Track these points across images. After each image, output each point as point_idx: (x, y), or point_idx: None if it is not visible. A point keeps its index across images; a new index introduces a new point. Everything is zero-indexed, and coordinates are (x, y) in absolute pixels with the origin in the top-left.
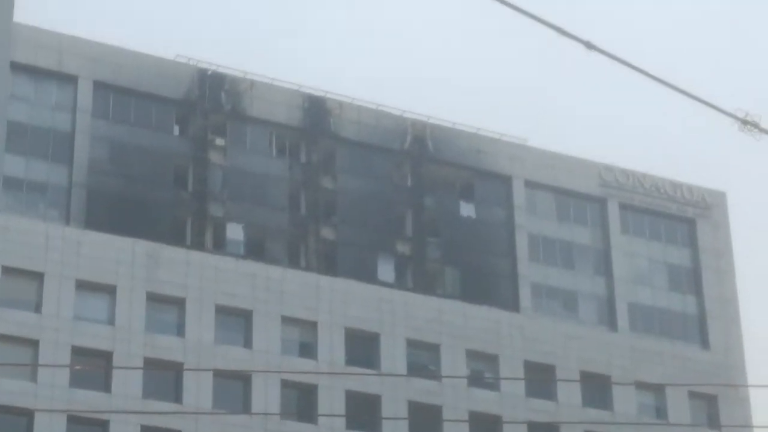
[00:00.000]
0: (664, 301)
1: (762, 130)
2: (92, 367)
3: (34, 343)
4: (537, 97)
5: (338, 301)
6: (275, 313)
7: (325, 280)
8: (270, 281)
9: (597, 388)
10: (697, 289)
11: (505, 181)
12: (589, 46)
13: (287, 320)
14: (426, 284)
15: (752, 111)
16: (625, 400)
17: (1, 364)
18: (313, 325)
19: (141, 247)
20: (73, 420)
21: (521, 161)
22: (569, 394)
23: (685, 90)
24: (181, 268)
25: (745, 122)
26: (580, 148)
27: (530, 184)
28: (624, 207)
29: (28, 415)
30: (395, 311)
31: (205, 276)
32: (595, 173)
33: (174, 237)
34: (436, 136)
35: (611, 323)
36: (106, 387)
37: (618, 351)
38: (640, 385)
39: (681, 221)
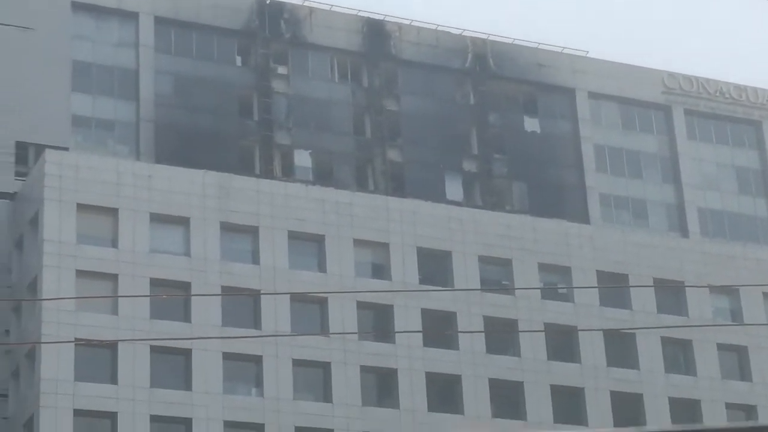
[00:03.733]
0: (734, 205)
1: None
2: (173, 296)
3: (113, 278)
4: (595, 7)
5: (408, 222)
6: (347, 237)
7: (394, 201)
8: (339, 205)
9: (671, 294)
10: (766, 191)
11: (569, 93)
12: None
13: (359, 243)
14: (494, 200)
15: None
16: (700, 305)
17: (81, 298)
18: (384, 247)
19: (211, 178)
20: (156, 350)
21: (583, 73)
22: (643, 301)
23: None
24: (251, 196)
25: None
26: (642, 56)
27: (594, 96)
28: (689, 113)
29: (111, 347)
30: (465, 229)
31: (276, 203)
32: (658, 81)
33: (243, 167)
34: (496, 53)
35: (682, 229)
36: (186, 317)
37: (690, 256)
38: (714, 289)
39: (747, 124)
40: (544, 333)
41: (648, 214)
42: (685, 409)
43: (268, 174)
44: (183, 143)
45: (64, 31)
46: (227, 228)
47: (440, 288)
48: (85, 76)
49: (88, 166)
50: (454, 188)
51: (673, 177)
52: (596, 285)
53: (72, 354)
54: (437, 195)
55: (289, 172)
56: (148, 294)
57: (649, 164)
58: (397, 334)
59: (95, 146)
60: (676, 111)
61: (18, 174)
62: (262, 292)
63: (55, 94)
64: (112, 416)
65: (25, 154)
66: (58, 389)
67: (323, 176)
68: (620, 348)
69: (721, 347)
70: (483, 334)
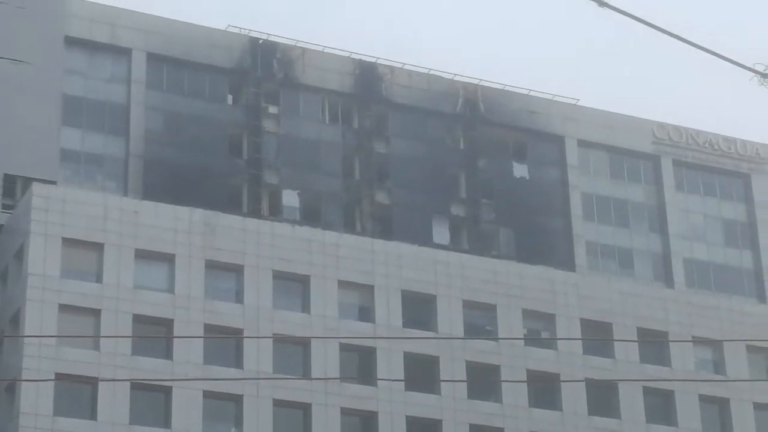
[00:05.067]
0: (720, 256)
1: None
2: (154, 335)
3: (96, 313)
4: (585, 58)
5: (394, 265)
6: (332, 278)
7: (380, 244)
8: (325, 246)
9: (654, 344)
10: (752, 244)
11: (558, 141)
12: (600, 3)
13: (344, 284)
14: (481, 245)
15: None
16: (683, 356)
17: (63, 336)
18: (369, 289)
19: (197, 215)
20: (136, 386)
21: (574, 121)
22: (627, 350)
23: (704, 46)
24: (237, 235)
25: (765, 76)
26: (632, 106)
27: (583, 144)
28: (678, 164)
29: (92, 383)
30: (451, 273)
31: (262, 242)
32: (647, 131)
33: (230, 205)
34: (487, 98)
35: (667, 279)
36: (168, 354)
37: (675, 307)
38: (698, 341)
39: (735, 176)
40: (526, 381)
41: (634, 263)
42: None
43: (255, 213)
44: (172, 180)
45: (56, 65)
46: (212, 266)
47: (424, 334)
48: (76, 110)
49: (74, 200)
50: (441, 232)
51: (660, 227)
52: (580, 333)
53: (52, 388)
54: (424, 238)
55: (276, 212)
56: (131, 333)
57: (636, 214)
58: (379, 376)
59: (84, 180)
60: (665, 161)
61: (5, 207)
62: (245, 332)
63: (45, 127)
64: None
65: (13, 187)
66: (37, 424)
67: (311, 216)
68: (602, 397)
69: (702, 399)
70: (465, 377)
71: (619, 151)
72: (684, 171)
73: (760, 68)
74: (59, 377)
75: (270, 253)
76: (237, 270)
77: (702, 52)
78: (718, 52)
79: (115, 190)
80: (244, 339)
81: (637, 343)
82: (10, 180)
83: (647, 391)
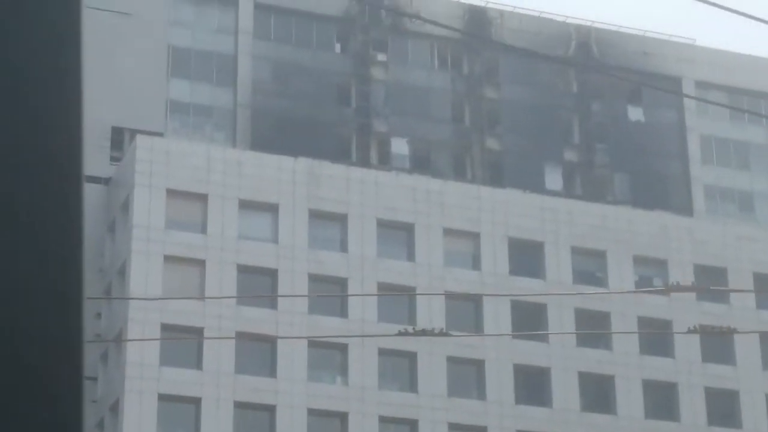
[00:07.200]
0: None
1: None
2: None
3: (200, 263)
4: None
5: (500, 211)
6: (437, 226)
7: (486, 191)
8: (430, 194)
9: None
10: None
11: (675, 82)
12: None
13: (449, 232)
14: (595, 191)
15: None
16: None
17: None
18: (475, 236)
19: (301, 165)
20: (242, 337)
21: (690, 62)
22: (742, 296)
23: None
24: (341, 184)
25: None
26: (751, 45)
27: (701, 85)
28: None
29: (197, 332)
30: (559, 219)
31: (366, 191)
32: None
33: (339, 154)
34: (601, 41)
35: None
36: (273, 304)
37: None
38: None
39: None
40: (637, 328)
41: (754, 206)
42: None
43: (364, 162)
44: (280, 130)
45: (162, 16)
46: (316, 215)
47: (530, 281)
48: (184, 62)
49: (178, 151)
50: (554, 178)
51: None
52: (693, 278)
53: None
54: (536, 185)
55: (386, 160)
56: (235, 283)
57: (757, 155)
58: (485, 325)
59: (192, 132)
60: None
61: (113, 159)
62: (349, 282)
63: (152, 79)
64: (196, 401)
65: (121, 140)
66: (144, 374)
67: (420, 164)
68: (716, 344)
69: None
70: (574, 325)
71: (738, 92)
72: None
73: None
74: (165, 328)
75: (374, 202)
76: (341, 219)
77: None
78: None
79: (224, 141)
80: (349, 288)
81: (753, 289)
82: (117, 132)
83: (764, 337)
